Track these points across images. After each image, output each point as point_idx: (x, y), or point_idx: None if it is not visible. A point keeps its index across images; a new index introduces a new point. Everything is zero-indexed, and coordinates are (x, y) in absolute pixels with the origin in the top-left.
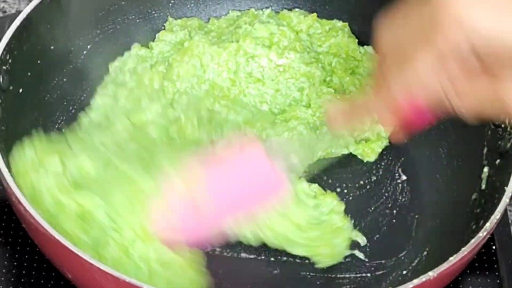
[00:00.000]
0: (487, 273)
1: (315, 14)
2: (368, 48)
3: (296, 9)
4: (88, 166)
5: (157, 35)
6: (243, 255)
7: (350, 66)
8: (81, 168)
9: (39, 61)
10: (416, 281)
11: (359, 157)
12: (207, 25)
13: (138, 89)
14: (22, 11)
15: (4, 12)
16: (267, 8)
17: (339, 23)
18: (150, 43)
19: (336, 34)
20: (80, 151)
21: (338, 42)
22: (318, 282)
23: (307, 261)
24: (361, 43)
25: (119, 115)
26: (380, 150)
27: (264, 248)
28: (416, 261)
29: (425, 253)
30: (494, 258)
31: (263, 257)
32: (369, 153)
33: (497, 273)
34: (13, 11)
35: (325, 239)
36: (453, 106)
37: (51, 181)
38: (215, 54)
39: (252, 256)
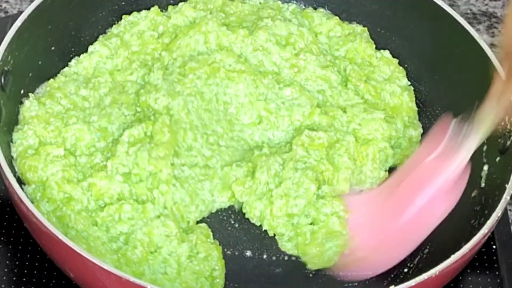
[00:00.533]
0: (488, 272)
1: (337, 18)
2: (385, 53)
3: (321, 9)
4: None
5: (179, 5)
6: (247, 253)
7: (365, 72)
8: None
9: (40, 62)
10: (417, 279)
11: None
12: (230, 5)
13: (137, 55)
14: (23, 11)
15: (6, 12)
16: (293, 2)
17: (359, 28)
18: (169, 11)
19: (354, 39)
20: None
21: (355, 47)
22: (320, 281)
23: None
24: (379, 47)
25: (106, 71)
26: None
27: (266, 247)
28: (417, 259)
29: (426, 251)
30: (495, 258)
31: (265, 256)
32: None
33: (497, 272)
34: (15, 11)
35: (316, 238)
36: None
37: (58, 173)
38: (222, 35)
39: (255, 255)
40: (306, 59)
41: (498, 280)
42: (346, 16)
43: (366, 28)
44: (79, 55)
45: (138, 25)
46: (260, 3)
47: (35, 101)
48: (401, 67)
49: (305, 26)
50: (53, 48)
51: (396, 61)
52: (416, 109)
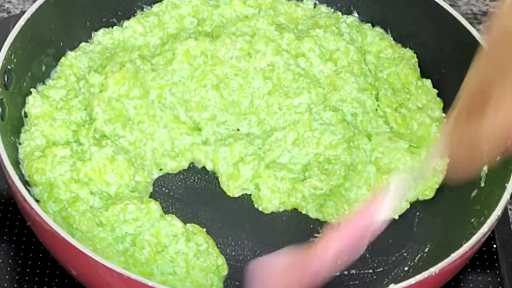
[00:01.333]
0: (488, 270)
1: (390, 39)
2: (427, 82)
3: (378, 28)
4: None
5: None
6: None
7: (398, 99)
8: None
9: (42, 60)
10: (418, 277)
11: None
12: (283, 4)
13: (172, 38)
14: (26, 11)
15: (9, 12)
16: (353, 15)
17: (409, 53)
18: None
19: (399, 63)
20: None
21: (398, 72)
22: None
23: None
24: (424, 76)
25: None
26: (437, 187)
27: (267, 246)
28: (417, 257)
29: (427, 249)
30: (495, 256)
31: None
32: (428, 192)
33: (497, 271)
34: (18, 11)
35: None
36: None
37: (66, 173)
38: (268, 34)
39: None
40: (345, 78)
41: (499, 279)
42: (400, 37)
43: (416, 55)
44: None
45: (180, 8)
46: (314, 8)
47: (38, 96)
48: (438, 98)
49: (356, 42)
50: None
51: (435, 92)
52: None
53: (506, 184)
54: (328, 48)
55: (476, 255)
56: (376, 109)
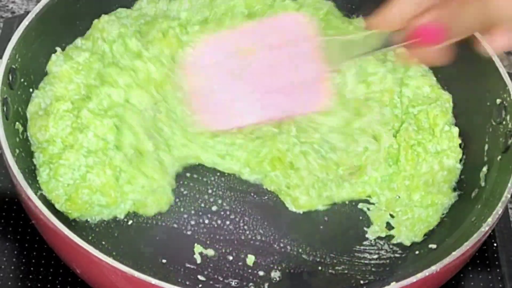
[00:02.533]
0: (489, 269)
1: (432, 78)
2: (454, 129)
3: (423, 65)
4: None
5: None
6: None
7: (419, 137)
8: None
9: (47, 59)
10: (419, 276)
11: None
12: (335, 19)
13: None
14: (30, 11)
15: (13, 12)
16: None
17: (446, 96)
18: None
19: (433, 103)
20: None
21: (428, 111)
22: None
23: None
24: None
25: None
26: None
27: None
28: (418, 255)
29: (428, 248)
30: (495, 255)
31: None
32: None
33: (498, 269)
34: (22, 11)
35: None
36: None
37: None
38: None
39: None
40: (372, 107)
41: (499, 277)
42: (442, 79)
43: (451, 99)
44: None
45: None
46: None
47: (62, 55)
48: (459, 149)
49: (398, 72)
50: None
51: (458, 141)
52: (453, 193)
53: (506, 184)
54: (366, 70)
55: (477, 254)
56: (389, 146)
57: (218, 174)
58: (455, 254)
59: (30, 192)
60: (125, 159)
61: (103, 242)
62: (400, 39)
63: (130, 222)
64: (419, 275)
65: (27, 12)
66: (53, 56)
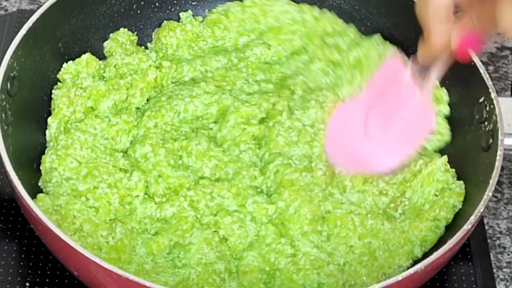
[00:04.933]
0: (461, 263)
1: (446, 158)
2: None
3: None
4: None
5: None
6: None
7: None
8: None
9: (46, 66)
10: (404, 274)
11: None
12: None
13: None
14: (23, 9)
15: (6, 10)
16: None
17: (452, 184)
18: None
19: (446, 193)
20: None
21: (441, 205)
22: None
23: None
24: None
25: None
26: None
27: None
28: None
29: None
30: (468, 249)
31: None
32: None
33: (470, 263)
34: (14, 9)
35: None
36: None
37: None
38: None
39: None
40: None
41: (471, 271)
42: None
43: (457, 182)
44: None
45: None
46: None
47: (73, 64)
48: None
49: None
50: (62, 50)
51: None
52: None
53: (488, 181)
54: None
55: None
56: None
57: None
58: (439, 252)
59: (29, 201)
60: None
61: None
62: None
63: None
64: (405, 274)
65: (19, 11)
66: (65, 65)
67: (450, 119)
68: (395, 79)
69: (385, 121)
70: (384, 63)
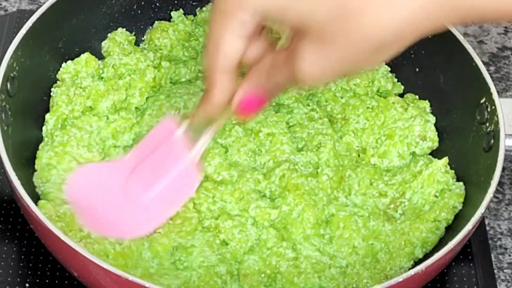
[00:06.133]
0: (462, 263)
1: (446, 159)
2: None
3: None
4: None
5: None
6: None
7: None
8: None
9: (46, 66)
10: (405, 275)
11: None
12: None
13: None
14: (23, 9)
15: (6, 10)
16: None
17: (452, 185)
18: None
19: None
20: None
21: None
22: None
23: None
24: None
25: None
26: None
27: None
28: None
29: None
30: (469, 250)
31: None
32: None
33: (471, 264)
34: (14, 9)
35: None
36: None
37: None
38: None
39: None
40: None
41: (472, 271)
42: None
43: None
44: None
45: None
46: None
47: (72, 64)
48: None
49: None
50: (61, 50)
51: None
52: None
53: (490, 181)
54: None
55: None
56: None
57: None
58: (440, 253)
59: (29, 202)
60: None
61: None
62: (228, 115)
63: None
64: (405, 275)
65: (19, 11)
66: (63, 64)
67: (450, 120)
68: (166, 139)
69: (148, 183)
70: (159, 123)
